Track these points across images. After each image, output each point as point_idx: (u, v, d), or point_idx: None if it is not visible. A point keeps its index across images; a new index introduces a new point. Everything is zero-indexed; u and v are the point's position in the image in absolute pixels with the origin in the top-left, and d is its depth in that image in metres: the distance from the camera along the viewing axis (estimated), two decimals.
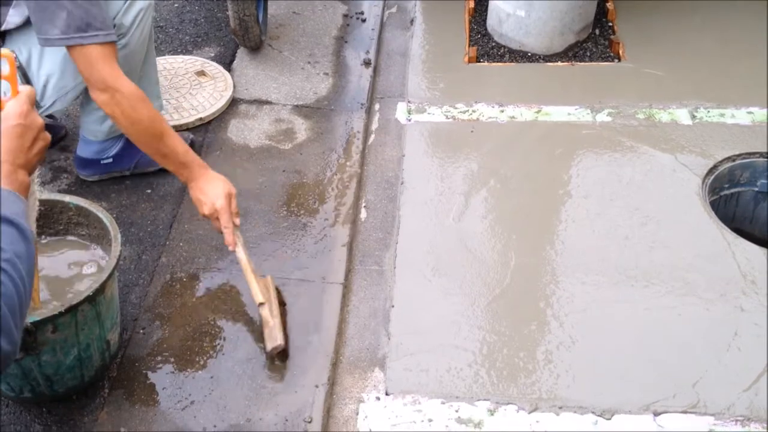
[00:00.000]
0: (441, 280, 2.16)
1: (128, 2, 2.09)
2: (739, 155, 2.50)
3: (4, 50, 1.30)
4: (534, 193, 2.43)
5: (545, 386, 1.87)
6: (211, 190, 1.97)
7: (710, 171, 2.46)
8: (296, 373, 1.89)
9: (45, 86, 2.07)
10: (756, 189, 2.54)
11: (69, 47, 1.85)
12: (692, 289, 2.09)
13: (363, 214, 2.41)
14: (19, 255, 1.11)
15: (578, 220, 2.32)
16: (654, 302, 2.06)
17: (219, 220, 1.97)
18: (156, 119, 1.94)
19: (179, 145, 1.97)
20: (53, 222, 1.85)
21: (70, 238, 1.87)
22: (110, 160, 2.37)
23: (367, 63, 3.02)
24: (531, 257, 2.21)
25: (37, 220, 1.71)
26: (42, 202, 1.81)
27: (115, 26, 2.03)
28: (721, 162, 2.49)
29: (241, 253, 1.99)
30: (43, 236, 1.85)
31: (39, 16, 1.83)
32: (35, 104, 2.03)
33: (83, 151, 2.36)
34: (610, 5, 3.20)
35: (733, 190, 2.55)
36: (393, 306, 2.09)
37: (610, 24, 3.15)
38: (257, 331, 1.98)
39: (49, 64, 2.02)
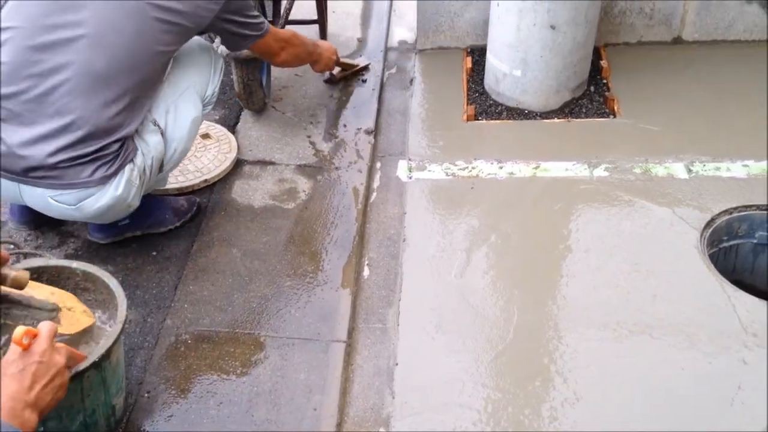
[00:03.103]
0: (444, 337, 2.17)
1: (218, 79, 2.43)
2: (736, 208, 2.53)
3: (20, 329, 1.35)
4: (534, 248, 2.45)
5: None
6: (326, 50, 2.95)
7: (708, 224, 2.48)
8: None
9: (174, 151, 2.25)
10: (755, 241, 2.56)
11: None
12: (694, 343, 2.09)
13: (366, 272, 2.44)
14: None
15: (579, 274, 2.34)
16: (657, 357, 2.06)
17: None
18: (300, 38, 2.70)
19: (309, 42, 2.79)
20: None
21: None
22: (127, 221, 2.40)
23: (367, 131, 3.06)
24: (533, 313, 2.22)
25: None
26: (49, 268, 1.85)
27: (209, 95, 2.40)
28: (719, 215, 2.51)
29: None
30: None
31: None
32: (161, 166, 2.22)
33: None
34: (604, 63, 3.27)
35: (731, 243, 2.57)
36: (397, 364, 2.10)
37: (605, 81, 3.22)
38: (262, 393, 1.99)
39: (179, 131, 2.22)
